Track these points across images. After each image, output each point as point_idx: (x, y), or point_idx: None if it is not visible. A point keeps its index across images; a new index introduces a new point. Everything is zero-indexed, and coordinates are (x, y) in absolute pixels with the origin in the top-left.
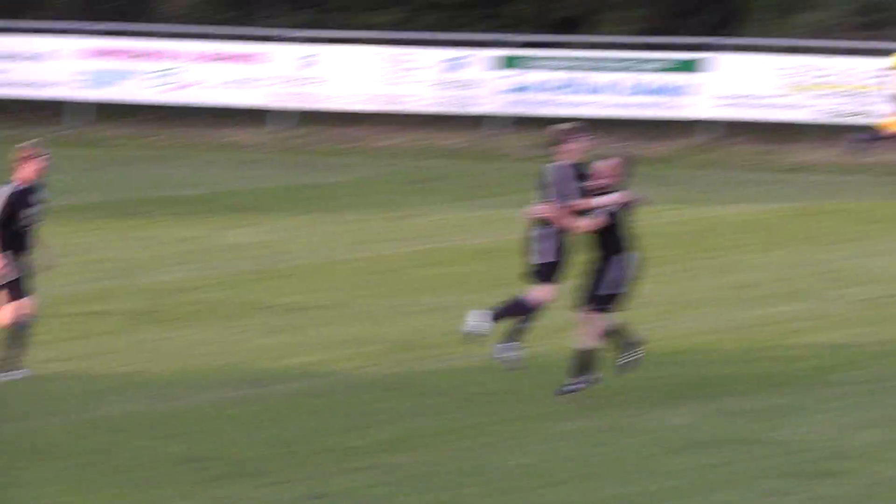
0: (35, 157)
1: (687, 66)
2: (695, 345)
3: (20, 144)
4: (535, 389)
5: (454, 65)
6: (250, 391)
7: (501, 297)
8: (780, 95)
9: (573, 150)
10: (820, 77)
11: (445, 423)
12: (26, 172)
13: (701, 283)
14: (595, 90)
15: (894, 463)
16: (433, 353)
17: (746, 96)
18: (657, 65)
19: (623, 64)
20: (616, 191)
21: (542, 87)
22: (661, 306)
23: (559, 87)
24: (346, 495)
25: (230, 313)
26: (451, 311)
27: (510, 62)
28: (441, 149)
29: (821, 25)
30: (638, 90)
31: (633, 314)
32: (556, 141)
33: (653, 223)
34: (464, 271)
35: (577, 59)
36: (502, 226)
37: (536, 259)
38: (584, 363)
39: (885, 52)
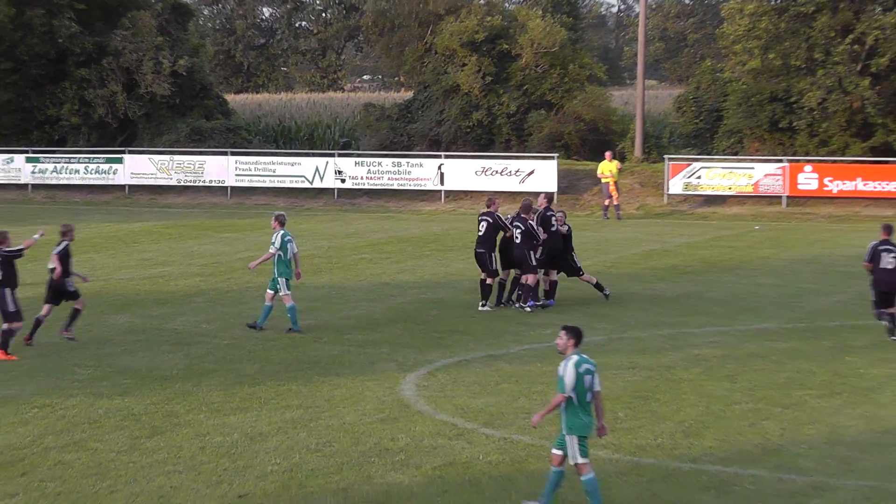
0: None
1: (116, 160)
2: (136, 285)
3: None
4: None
5: (8, 160)
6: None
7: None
8: (162, 171)
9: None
10: (177, 164)
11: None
12: None
13: (128, 258)
14: (84, 172)
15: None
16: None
17: (148, 173)
18: (103, 158)
19: (85, 159)
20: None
21: (50, 171)
22: (109, 269)
23: (60, 172)
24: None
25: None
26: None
27: (33, 160)
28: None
29: (177, 138)
30: (92, 171)
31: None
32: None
33: (100, 232)
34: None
35: (65, 157)
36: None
37: None
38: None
39: (225, 153)
